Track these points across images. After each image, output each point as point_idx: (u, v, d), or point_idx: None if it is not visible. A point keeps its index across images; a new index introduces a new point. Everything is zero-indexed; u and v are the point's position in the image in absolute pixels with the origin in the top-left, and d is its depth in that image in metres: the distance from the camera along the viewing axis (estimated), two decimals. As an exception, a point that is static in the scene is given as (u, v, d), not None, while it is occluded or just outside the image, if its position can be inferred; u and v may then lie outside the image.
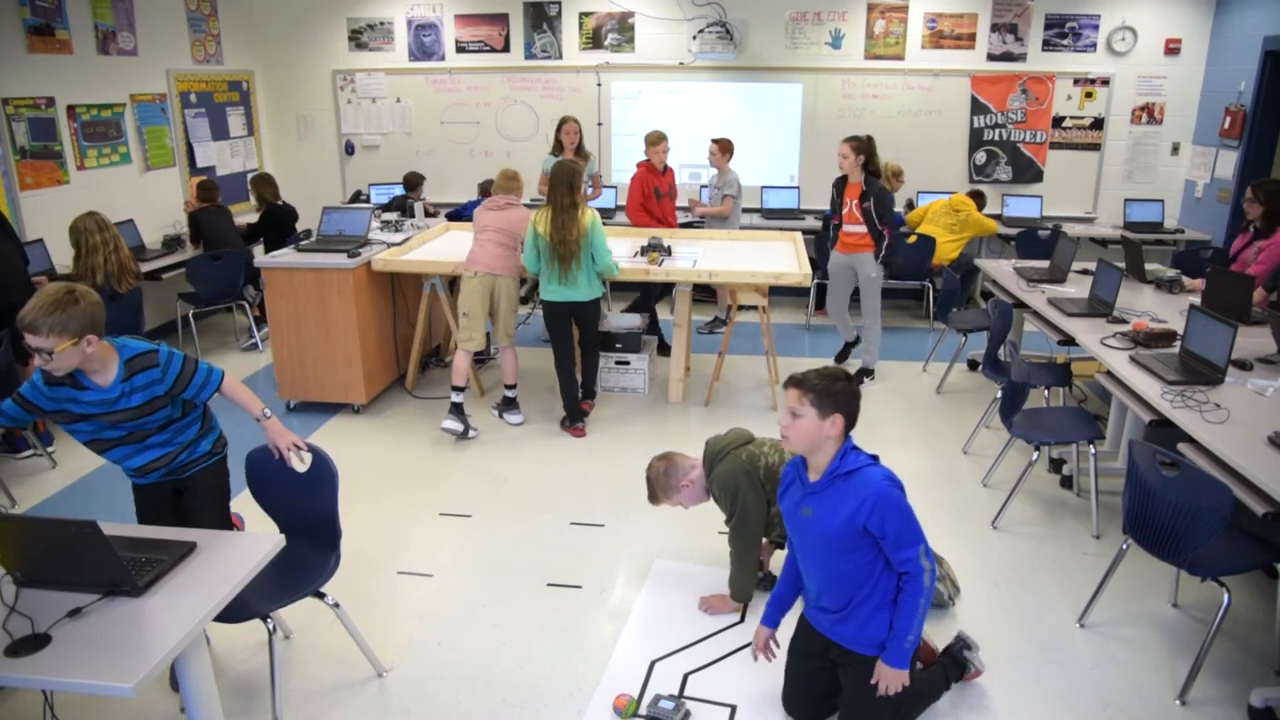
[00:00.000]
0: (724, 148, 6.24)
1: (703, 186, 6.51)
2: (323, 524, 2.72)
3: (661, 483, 3.21)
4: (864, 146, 5.09)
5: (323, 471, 2.69)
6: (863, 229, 5.19)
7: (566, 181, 4.36)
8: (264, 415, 2.69)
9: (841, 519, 2.34)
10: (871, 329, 5.46)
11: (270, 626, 2.52)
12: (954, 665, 2.71)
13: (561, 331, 4.68)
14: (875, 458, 2.43)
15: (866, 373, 5.52)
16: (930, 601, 2.38)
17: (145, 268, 5.55)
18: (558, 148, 5.89)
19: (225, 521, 2.84)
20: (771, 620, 2.68)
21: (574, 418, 4.80)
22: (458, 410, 4.86)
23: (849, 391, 2.36)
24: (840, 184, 5.29)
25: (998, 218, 7.25)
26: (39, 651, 1.84)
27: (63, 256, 5.37)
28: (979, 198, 6.70)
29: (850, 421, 2.37)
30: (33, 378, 2.49)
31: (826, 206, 6.08)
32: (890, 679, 2.40)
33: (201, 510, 2.77)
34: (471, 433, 4.76)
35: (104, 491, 4.19)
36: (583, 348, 4.88)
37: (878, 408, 5.19)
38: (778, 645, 2.70)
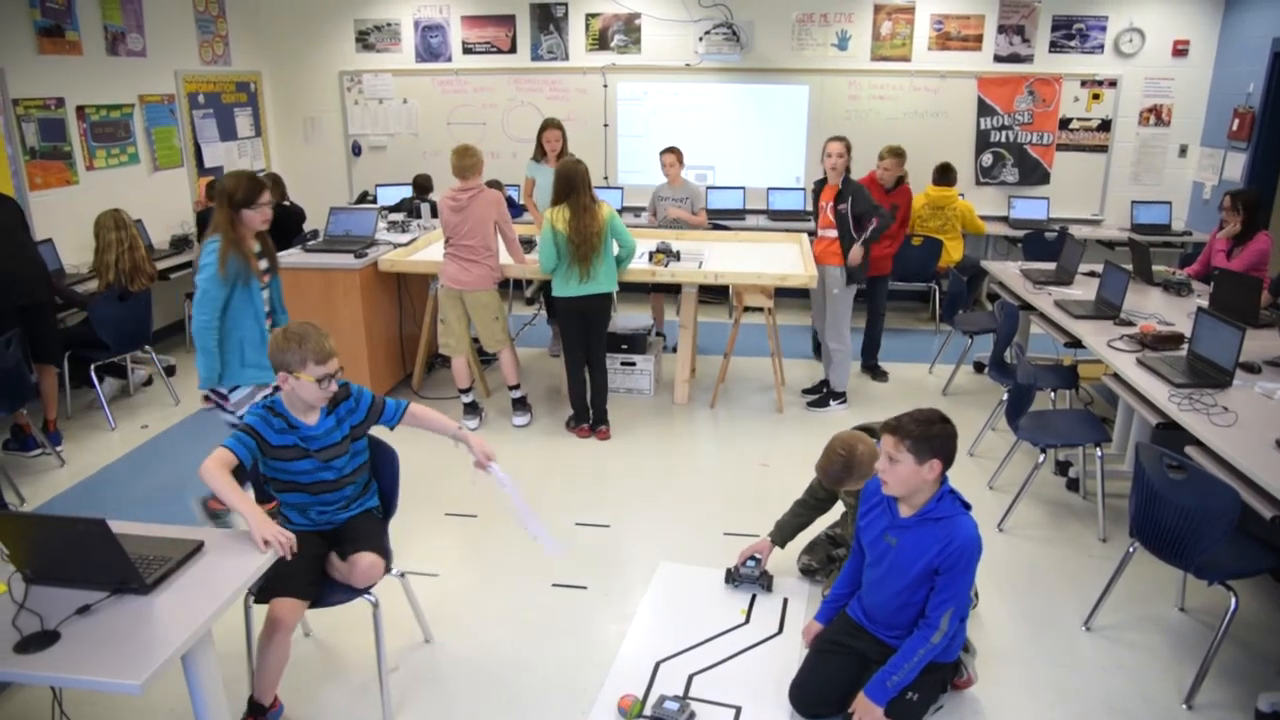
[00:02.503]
0: (680, 158, 5.89)
1: (661, 199, 6.03)
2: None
3: (864, 469, 2.91)
4: (849, 146, 4.81)
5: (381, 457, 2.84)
6: (833, 234, 4.85)
7: (584, 180, 4.38)
8: (458, 430, 2.78)
9: (924, 561, 2.43)
10: (838, 350, 5.06)
11: (373, 599, 2.60)
12: (949, 668, 2.71)
13: (574, 331, 4.65)
14: (968, 505, 2.48)
15: (835, 395, 5.17)
16: (926, 661, 2.45)
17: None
18: (539, 153, 5.77)
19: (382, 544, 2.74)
20: (825, 617, 2.81)
21: (580, 418, 4.80)
22: (472, 408, 4.89)
23: (945, 434, 2.39)
24: (819, 187, 5.02)
25: (1004, 219, 7.25)
26: (48, 648, 1.85)
27: (71, 256, 5.41)
28: (947, 172, 6.53)
29: (947, 464, 2.42)
30: (253, 415, 2.53)
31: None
32: (865, 711, 2.47)
33: (358, 533, 2.68)
34: (518, 419, 4.88)
35: (112, 490, 4.21)
36: (590, 365, 4.73)
37: (883, 409, 5.16)
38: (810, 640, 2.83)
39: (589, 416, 4.82)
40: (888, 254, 5.57)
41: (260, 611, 2.63)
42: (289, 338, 2.47)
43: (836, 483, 3.05)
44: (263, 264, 3.50)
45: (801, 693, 2.68)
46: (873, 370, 5.76)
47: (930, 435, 2.36)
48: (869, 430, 3.10)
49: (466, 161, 4.57)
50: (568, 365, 4.75)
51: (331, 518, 2.70)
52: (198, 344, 3.37)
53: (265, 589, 2.47)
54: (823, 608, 2.84)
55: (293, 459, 2.56)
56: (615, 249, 4.63)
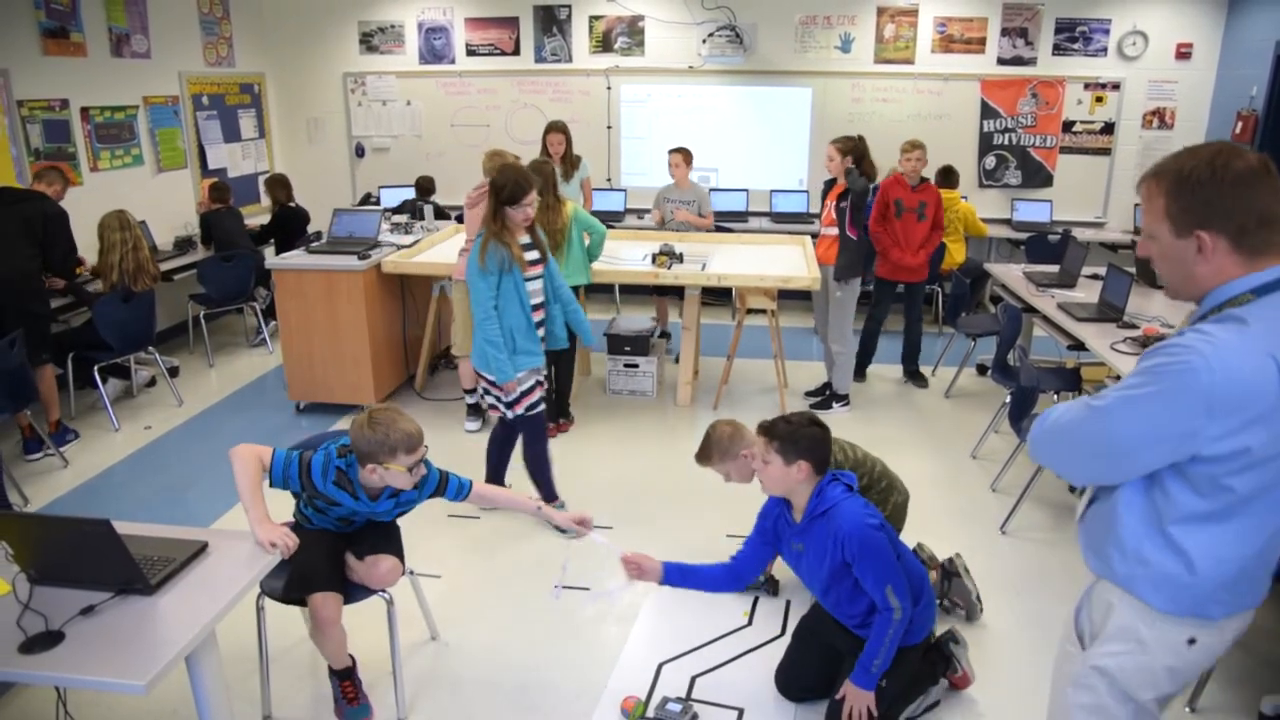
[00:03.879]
0: (688, 159, 5.85)
1: (667, 201, 5.97)
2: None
3: (723, 446, 3.00)
4: (851, 148, 4.77)
5: None
6: (834, 233, 4.86)
7: (549, 180, 4.47)
8: (538, 508, 2.80)
9: (829, 559, 2.47)
10: (841, 353, 5.07)
11: (388, 597, 2.64)
12: (940, 659, 2.73)
13: None
14: (850, 486, 2.51)
15: (838, 398, 5.18)
16: (899, 637, 2.45)
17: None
18: (544, 155, 5.81)
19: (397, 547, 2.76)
20: (669, 576, 2.67)
21: (550, 416, 4.79)
22: (474, 410, 4.91)
23: (813, 437, 2.45)
24: (827, 187, 5.02)
25: (1007, 222, 7.25)
26: (52, 649, 1.86)
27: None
28: (949, 175, 6.54)
29: (818, 466, 2.47)
30: (323, 457, 2.48)
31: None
32: (855, 699, 2.49)
33: (375, 534, 2.70)
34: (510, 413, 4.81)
35: (116, 491, 4.22)
36: (556, 355, 4.68)
37: (886, 412, 5.19)
38: (634, 576, 2.66)
39: (557, 414, 4.83)
40: (922, 260, 5.48)
41: (272, 616, 2.65)
42: (375, 426, 2.36)
43: (704, 460, 3.06)
44: (532, 254, 3.61)
45: (785, 677, 2.77)
46: (914, 376, 5.72)
47: (798, 437, 2.43)
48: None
49: (491, 165, 4.68)
50: None
51: (352, 523, 2.71)
52: (481, 337, 3.50)
53: (297, 587, 2.49)
54: (677, 568, 2.71)
55: (331, 507, 2.56)
56: (586, 240, 4.70)
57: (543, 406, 3.73)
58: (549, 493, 3.83)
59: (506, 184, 3.46)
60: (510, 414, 3.65)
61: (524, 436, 3.76)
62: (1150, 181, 1.57)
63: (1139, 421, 1.51)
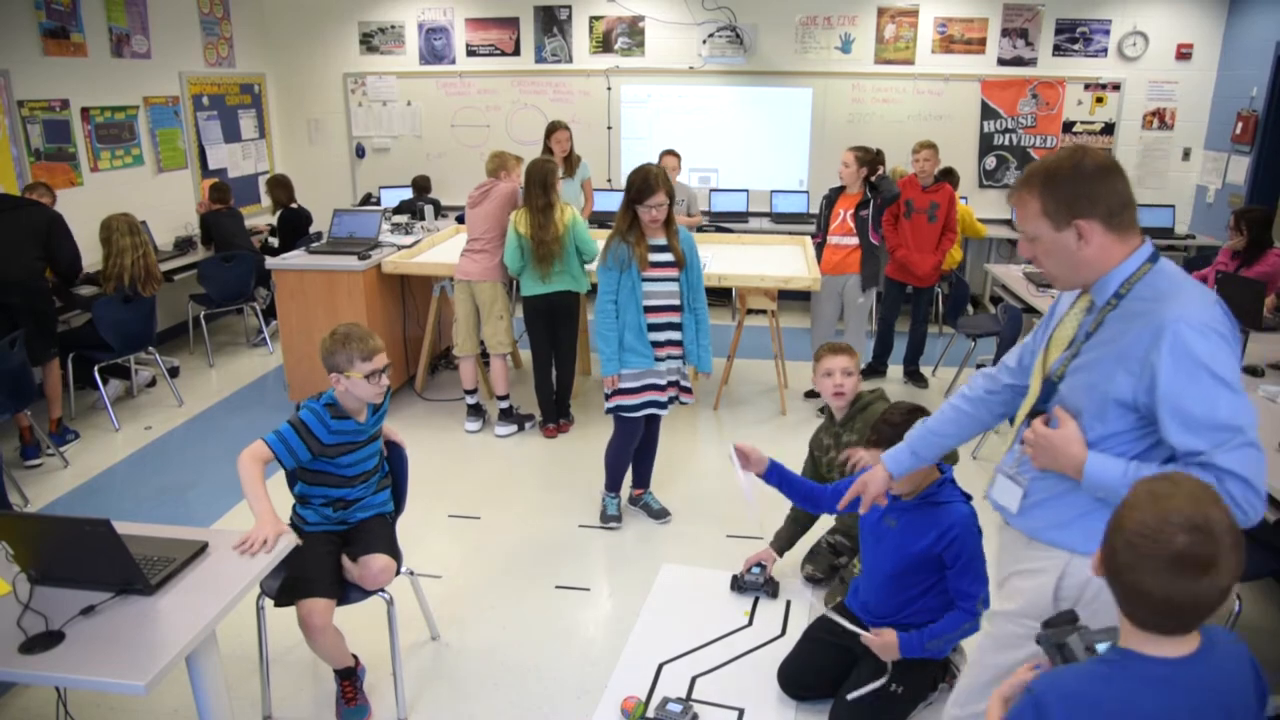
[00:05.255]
0: (679, 161, 5.93)
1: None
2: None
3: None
4: (869, 159, 4.82)
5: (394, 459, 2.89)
6: (853, 241, 4.90)
7: (540, 181, 4.36)
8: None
9: (924, 543, 2.48)
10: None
11: (388, 597, 2.64)
12: (939, 666, 2.72)
13: (541, 331, 4.67)
14: (969, 496, 2.53)
15: None
16: (966, 634, 2.50)
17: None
18: (547, 154, 5.83)
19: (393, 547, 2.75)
20: (772, 471, 2.82)
21: (548, 418, 4.82)
22: (475, 410, 4.91)
23: None
24: (833, 195, 5.01)
25: (1007, 223, 7.25)
26: (52, 649, 1.86)
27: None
28: (949, 176, 6.54)
29: None
30: (309, 411, 2.52)
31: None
32: (885, 647, 2.53)
33: (370, 535, 2.69)
34: (500, 429, 4.83)
35: (116, 491, 4.22)
36: (556, 358, 4.75)
37: (886, 412, 5.18)
38: (744, 466, 2.78)
39: (557, 414, 4.84)
40: (932, 266, 5.45)
41: (272, 616, 2.65)
42: (335, 340, 2.51)
43: (850, 356, 3.31)
44: (662, 256, 3.58)
45: (791, 673, 2.76)
46: (914, 376, 5.73)
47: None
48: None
49: (497, 163, 4.81)
50: (534, 365, 4.75)
51: (347, 516, 2.70)
52: (596, 329, 3.60)
53: (290, 591, 2.48)
54: (780, 471, 2.85)
55: (341, 454, 2.59)
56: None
57: (642, 413, 3.65)
58: (611, 483, 3.86)
59: (634, 182, 3.47)
60: (607, 406, 3.66)
61: (614, 430, 3.77)
62: (1021, 190, 1.69)
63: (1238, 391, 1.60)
